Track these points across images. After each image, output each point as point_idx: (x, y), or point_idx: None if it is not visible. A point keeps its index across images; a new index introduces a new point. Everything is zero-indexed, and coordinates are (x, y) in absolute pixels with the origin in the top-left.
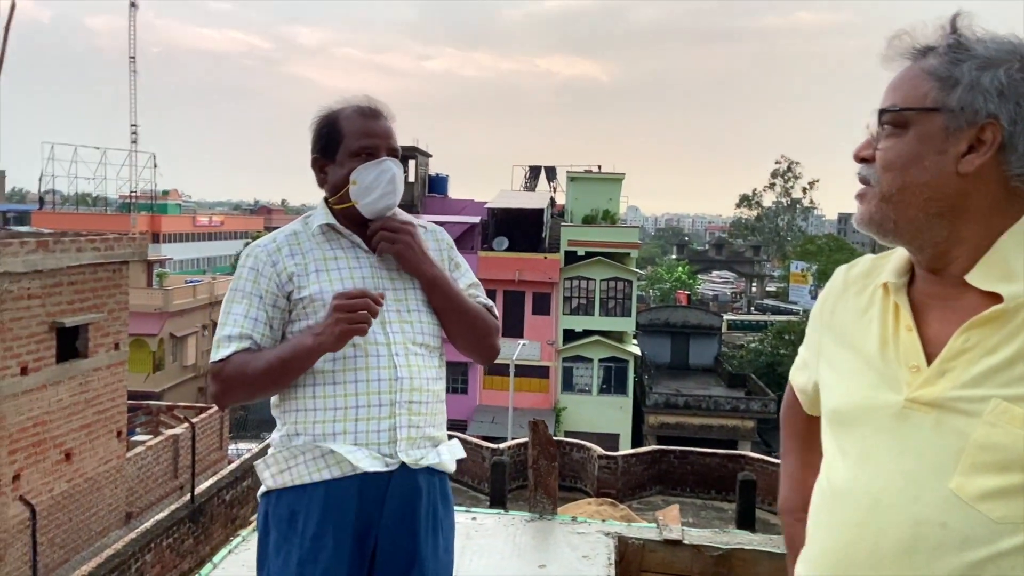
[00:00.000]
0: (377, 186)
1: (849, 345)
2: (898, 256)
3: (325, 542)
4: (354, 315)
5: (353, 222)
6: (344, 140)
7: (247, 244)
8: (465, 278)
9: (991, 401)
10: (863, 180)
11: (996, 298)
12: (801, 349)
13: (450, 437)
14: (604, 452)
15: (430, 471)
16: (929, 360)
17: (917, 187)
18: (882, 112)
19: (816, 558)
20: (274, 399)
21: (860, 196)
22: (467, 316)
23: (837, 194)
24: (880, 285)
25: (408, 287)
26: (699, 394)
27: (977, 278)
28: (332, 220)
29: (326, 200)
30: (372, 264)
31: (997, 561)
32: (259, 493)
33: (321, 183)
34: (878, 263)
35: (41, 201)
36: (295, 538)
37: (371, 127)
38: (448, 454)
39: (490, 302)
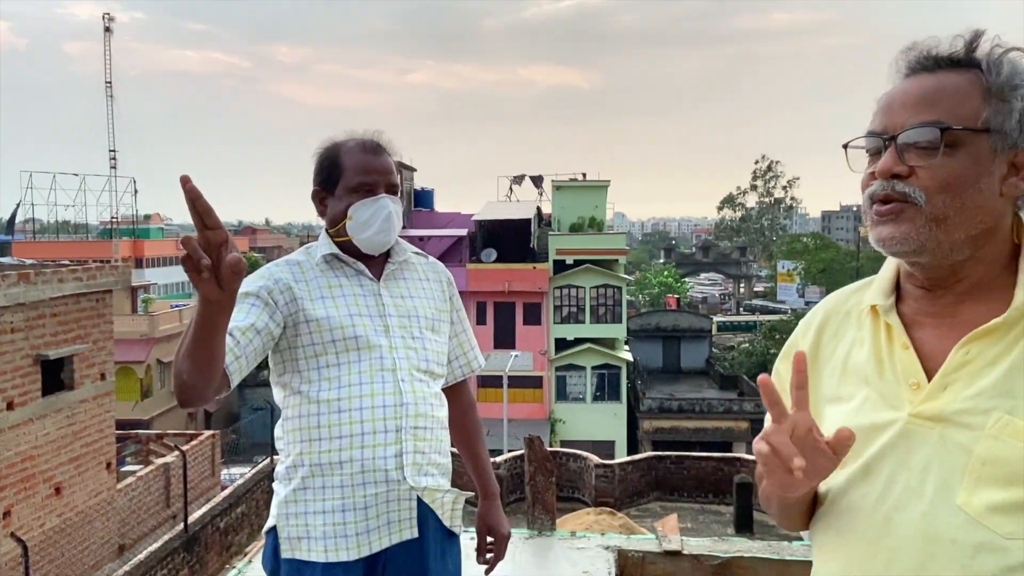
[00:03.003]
0: (373, 223)
1: (842, 372)
2: (881, 279)
3: (336, 572)
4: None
5: (354, 253)
6: (344, 175)
7: None
8: (465, 325)
9: (993, 414)
10: (889, 198)
11: (991, 313)
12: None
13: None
14: (600, 461)
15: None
16: (928, 376)
17: (974, 210)
18: (926, 127)
19: (833, 574)
20: (277, 430)
21: (894, 213)
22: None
23: (820, 192)
24: (867, 309)
25: (413, 315)
26: (692, 397)
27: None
28: (335, 250)
29: (327, 231)
30: (375, 292)
31: None
32: (264, 530)
33: (321, 214)
34: (855, 292)
35: (10, 227)
36: (306, 570)
37: (371, 163)
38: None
39: (480, 362)
